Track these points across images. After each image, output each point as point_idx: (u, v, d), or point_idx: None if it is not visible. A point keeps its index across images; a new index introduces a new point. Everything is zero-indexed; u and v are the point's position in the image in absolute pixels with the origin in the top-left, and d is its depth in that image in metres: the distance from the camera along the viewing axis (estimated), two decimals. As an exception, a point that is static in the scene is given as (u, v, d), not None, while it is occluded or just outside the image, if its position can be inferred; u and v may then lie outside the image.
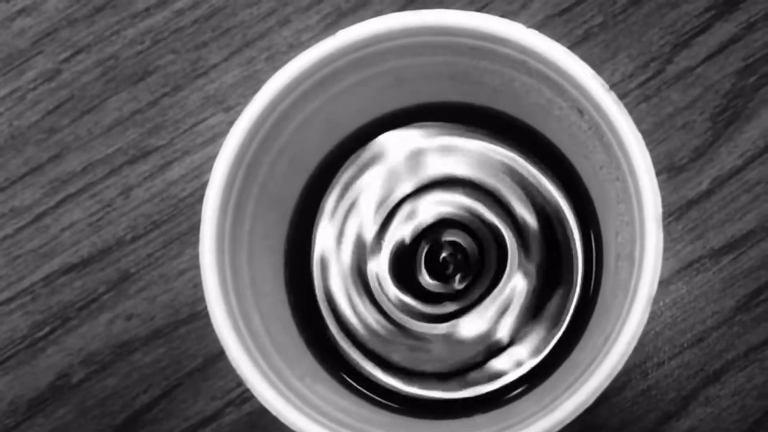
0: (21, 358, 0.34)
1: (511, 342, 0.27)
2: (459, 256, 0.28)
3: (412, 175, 0.28)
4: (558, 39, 0.23)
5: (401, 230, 0.28)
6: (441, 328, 0.28)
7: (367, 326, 0.28)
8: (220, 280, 0.23)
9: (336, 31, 0.24)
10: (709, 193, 0.34)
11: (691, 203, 0.34)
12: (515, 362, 0.27)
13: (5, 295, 0.35)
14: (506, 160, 0.28)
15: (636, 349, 0.33)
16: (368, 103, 0.27)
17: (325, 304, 0.28)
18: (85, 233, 0.35)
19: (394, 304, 0.28)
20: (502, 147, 0.28)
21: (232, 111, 0.35)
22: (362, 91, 0.26)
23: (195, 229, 0.32)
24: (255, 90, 0.24)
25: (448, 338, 0.28)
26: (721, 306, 0.33)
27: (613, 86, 0.34)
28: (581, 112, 0.24)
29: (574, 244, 0.27)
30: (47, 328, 0.34)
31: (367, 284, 0.28)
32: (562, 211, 0.28)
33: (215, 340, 0.23)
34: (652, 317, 0.33)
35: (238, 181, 0.24)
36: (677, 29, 0.35)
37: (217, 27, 0.36)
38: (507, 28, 0.24)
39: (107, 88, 0.36)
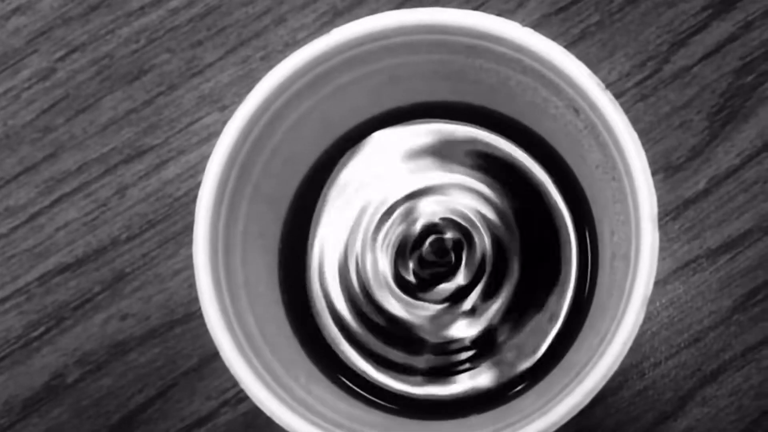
0: (16, 358, 0.34)
1: (507, 341, 0.27)
2: (455, 255, 0.28)
3: (407, 174, 0.28)
4: (555, 38, 0.23)
5: (396, 229, 0.28)
6: (436, 327, 0.28)
7: (361, 325, 0.28)
8: (214, 280, 0.23)
9: (331, 29, 0.24)
10: (706, 192, 0.34)
11: (688, 203, 0.34)
12: (510, 362, 0.27)
13: (0, 294, 0.34)
14: (502, 159, 0.28)
15: (633, 349, 0.33)
16: (363, 102, 0.27)
17: (320, 303, 0.28)
18: (80, 233, 0.35)
19: (388, 303, 0.28)
20: (498, 146, 0.28)
21: (228, 110, 0.35)
22: (357, 89, 0.26)
23: (190, 228, 0.32)
24: (250, 89, 0.24)
25: (443, 337, 0.28)
26: (718, 306, 0.33)
27: (610, 85, 0.34)
28: (577, 111, 0.24)
29: (570, 243, 0.27)
30: (42, 328, 0.34)
31: (362, 284, 0.28)
32: (558, 210, 0.28)
33: (210, 340, 0.23)
34: (649, 317, 0.33)
35: (231, 180, 0.24)
36: (674, 28, 0.35)
37: (213, 26, 0.36)
38: (502, 27, 0.24)
39: (102, 87, 0.36)
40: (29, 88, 0.36)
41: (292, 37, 0.35)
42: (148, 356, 0.34)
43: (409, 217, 0.28)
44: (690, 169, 0.34)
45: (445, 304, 0.28)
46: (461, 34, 0.24)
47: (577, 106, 0.24)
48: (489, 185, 0.28)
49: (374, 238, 0.28)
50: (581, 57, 0.24)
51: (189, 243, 0.34)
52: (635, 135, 0.23)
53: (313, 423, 0.23)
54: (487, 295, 0.28)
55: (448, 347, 0.28)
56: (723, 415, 0.32)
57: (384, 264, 0.28)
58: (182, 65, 0.35)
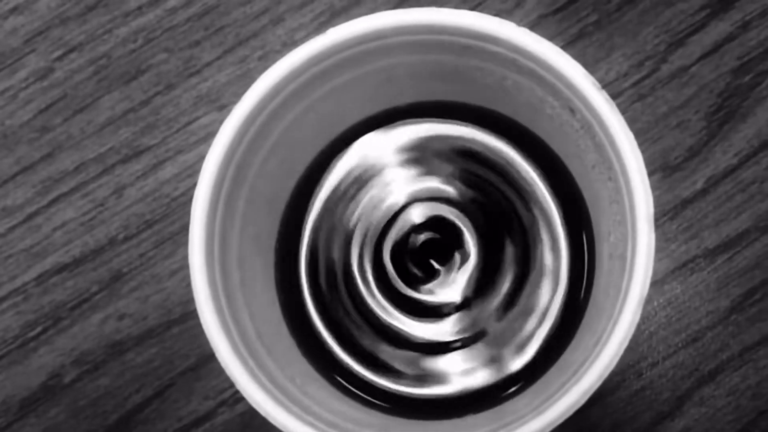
0: (13, 358, 0.34)
1: (502, 341, 0.27)
2: (448, 254, 0.28)
3: (402, 174, 0.28)
4: (552, 38, 0.23)
5: (391, 229, 0.28)
6: (431, 327, 0.28)
7: (357, 326, 0.28)
8: (210, 280, 0.23)
9: (329, 29, 0.24)
10: (703, 192, 0.34)
11: (686, 202, 0.34)
12: (506, 361, 0.27)
13: (-3, 294, 0.35)
14: (498, 159, 0.28)
15: (630, 349, 0.33)
16: (359, 102, 0.27)
17: (315, 304, 0.28)
18: (77, 233, 0.35)
19: (383, 303, 0.28)
20: (494, 146, 0.28)
21: (225, 110, 0.35)
22: (353, 90, 0.26)
23: (188, 228, 0.31)
24: (248, 89, 0.24)
25: (438, 337, 0.28)
26: (716, 306, 0.33)
27: (607, 85, 0.34)
28: (573, 111, 0.24)
29: (567, 243, 0.27)
30: (39, 328, 0.34)
31: (357, 284, 0.28)
32: (555, 210, 0.28)
33: (208, 340, 0.23)
34: (647, 317, 0.33)
35: (227, 181, 0.24)
36: (672, 28, 0.35)
37: (210, 25, 0.36)
38: (498, 27, 0.23)
39: (100, 87, 0.35)
40: (26, 87, 0.36)
41: (290, 37, 0.35)
42: (145, 356, 0.34)
43: (404, 217, 0.28)
44: (688, 169, 0.34)
45: (439, 304, 0.28)
46: (457, 34, 0.24)
47: (573, 106, 0.24)
48: (485, 185, 0.28)
49: (370, 238, 0.28)
50: (579, 57, 0.24)
51: (186, 243, 0.33)
52: (631, 135, 0.23)
53: (309, 423, 0.23)
54: (483, 295, 0.28)
55: (444, 347, 0.28)
56: (720, 415, 0.32)
57: (379, 264, 0.28)
58: (180, 65, 0.35)
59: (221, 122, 0.24)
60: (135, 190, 0.35)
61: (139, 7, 0.36)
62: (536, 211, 0.28)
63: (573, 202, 0.27)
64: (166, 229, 0.35)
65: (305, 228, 0.28)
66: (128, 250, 0.34)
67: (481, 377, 0.27)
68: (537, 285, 0.27)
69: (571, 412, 0.22)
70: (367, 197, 0.28)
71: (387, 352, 0.28)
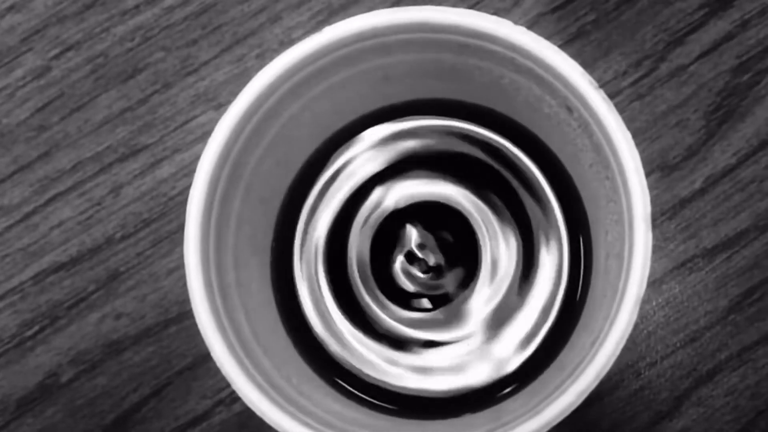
0: (10, 357, 0.34)
1: (500, 341, 0.27)
2: (447, 254, 0.28)
3: (399, 173, 0.28)
4: (550, 37, 0.23)
5: (388, 228, 0.28)
6: (428, 326, 0.28)
7: (353, 325, 0.28)
8: (205, 280, 0.23)
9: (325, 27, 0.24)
10: (702, 191, 0.33)
11: (685, 202, 0.33)
12: (503, 361, 0.27)
13: (-6, 293, 0.34)
14: (496, 157, 0.28)
15: (628, 349, 0.33)
16: (356, 101, 0.27)
17: (312, 303, 0.28)
18: (74, 232, 0.35)
19: (380, 302, 0.28)
20: (491, 144, 0.28)
21: (223, 109, 0.35)
22: (350, 88, 0.26)
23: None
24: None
25: (435, 336, 0.28)
26: (715, 306, 0.33)
27: (606, 84, 0.34)
28: (570, 109, 0.24)
29: (564, 242, 0.27)
30: (36, 327, 0.34)
31: (354, 283, 0.28)
32: (552, 209, 0.28)
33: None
34: (645, 317, 0.33)
35: (223, 180, 0.24)
36: (671, 27, 0.34)
37: (208, 24, 0.36)
38: (495, 25, 0.23)
39: (97, 86, 0.35)
40: (24, 86, 0.36)
41: (288, 35, 0.35)
42: (142, 355, 0.34)
43: (401, 215, 0.28)
44: (686, 168, 0.34)
45: (437, 303, 0.28)
46: (454, 32, 0.24)
47: (571, 104, 0.24)
48: (482, 184, 0.28)
49: (366, 237, 0.28)
50: (577, 56, 0.24)
51: (183, 242, 0.34)
52: (628, 134, 0.23)
53: (305, 423, 0.23)
54: (480, 294, 0.28)
55: (441, 346, 0.28)
56: (719, 415, 0.32)
57: (376, 262, 0.28)
58: (177, 64, 0.35)
59: (218, 121, 0.24)
60: (132, 189, 0.35)
61: (137, 6, 0.36)
62: (534, 210, 0.28)
63: (570, 201, 0.27)
64: (164, 228, 0.34)
65: (301, 227, 0.28)
66: (125, 249, 0.34)
67: (478, 377, 0.27)
68: (534, 284, 0.27)
69: (568, 412, 0.22)
70: (363, 195, 0.28)
71: (384, 352, 0.28)
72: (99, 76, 0.35)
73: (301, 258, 0.28)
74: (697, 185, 0.34)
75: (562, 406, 0.22)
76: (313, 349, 0.27)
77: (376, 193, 0.28)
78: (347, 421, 0.25)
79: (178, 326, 0.34)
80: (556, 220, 0.27)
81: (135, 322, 0.34)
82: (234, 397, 0.33)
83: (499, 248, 0.28)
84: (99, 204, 0.35)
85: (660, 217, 0.33)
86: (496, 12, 0.35)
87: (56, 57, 0.36)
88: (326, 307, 0.28)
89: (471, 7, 0.35)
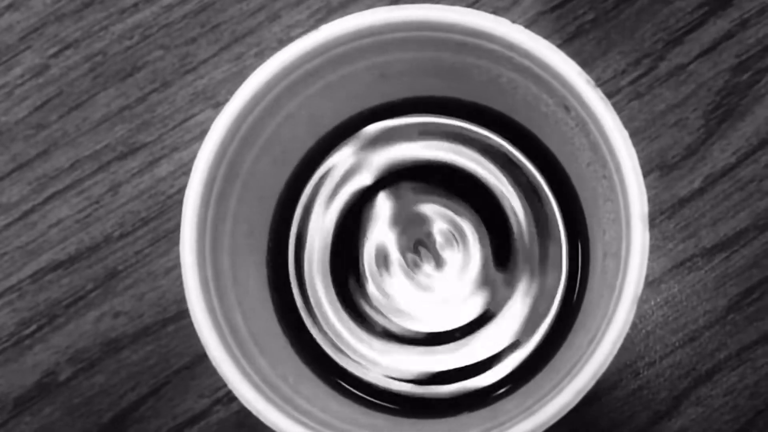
0: (8, 356, 0.34)
1: (497, 341, 0.27)
2: (443, 251, 0.28)
3: (396, 171, 0.28)
4: (549, 35, 0.23)
5: (385, 226, 0.28)
6: (425, 326, 0.28)
7: (350, 324, 0.28)
8: (201, 279, 0.23)
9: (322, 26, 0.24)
10: (701, 191, 0.33)
11: (684, 201, 0.33)
12: (500, 361, 0.27)
13: (-8, 292, 0.34)
14: (495, 156, 0.28)
15: (627, 349, 0.33)
16: (353, 100, 0.27)
17: (309, 302, 0.28)
18: (72, 230, 0.35)
19: (376, 302, 0.28)
20: (489, 143, 0.28)
21: (221, 107, 0.34)
22: (346, 87, 0.26)
23: (183, 226, 0.32)
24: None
25: (432, 335, 0.28)
26: (714, 305, 0.33)
27: (605, 83, 0.34)
28: (568, 108, 0.24)
29: (561, 241, 0.27)
30: (34, 326, 0.34)
31: (351, 282, 0.28)
32: (550, 208, 0.27)
33: (201, 339, 0.23)
34: (644, 316, 0.33)
35: (219, 179, 0.24)
36: (670, 26, 0.34)
37: (206, 22, 0.36)
38: (492, 24, 0.23)
39: (95, 84, 0.35)
40: (22, 84, 0.36)
41: (286, 33, 0.35)
42: (140, 354, 0.34)
43: (399, 213, 0.28)
44: (685, 167, 0.34)
45: (434, 301, 0.28)
46: (451, 31, 0.24)
47: (568, 103, 0.24)
48: (479, 181, 0.28)
49: (363, 236, 0.28)
50: (576, 54, 0.24)
51: (181, 241, 0.34)
52: (625, 133, 0.23)
53: (301, 423, 0.23)
54: (479, 292, 0.28)
55: (438, 346, 0.28)
56: (718, 415, 0.32)
57: (373, 261, 0.28)
58: (176, 62, 0.35)
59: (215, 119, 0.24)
60: (130, 188, 0.35)
61: (135, 4, 0.36)
62: (531, 209, 0.28)
63: (568, 200, 0.27)
64: (162, 226, 0.34)
65: (298, 225, 0.28)
66: (124, 247, 0.34)
67: (476, 377, 0.27)
68: (536, 284, 0.27)
69: (564, 412, 0.22)
70: (360, 194, 0.28)
71: (381, 351, 0.28)
72: (97, 74, 0.35)
73: (298, 257, 0.28)
74: (696, 184, 0.33)
75: (558, 405, 0.22)
76: (310, 348, 0.27)
77: (373, 191, 0.28)
78: (344, 420, 0.25)
79: (176, 325, 0.34)
80: (554, 219, 0.27)
81: (133, 320, 0.34)
82: (232, 396, 0.33)
83: (496, 246, 0.28)
84: (97, 202, 0.35)
85: (659, 217, 0.33)
86: (495, 11, 0.35)
87: (55, 55, 0.36)
88: (324, 305, 0.28)
89: (470, 5, 0.35)
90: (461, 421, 0.26)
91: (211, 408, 0.33)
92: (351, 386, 0.27)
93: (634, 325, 0.33)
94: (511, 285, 0.28)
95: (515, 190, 0.28)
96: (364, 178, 0.28)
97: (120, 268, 0.34)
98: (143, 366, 0.34)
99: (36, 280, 0.34)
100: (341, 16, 0.32)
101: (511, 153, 0.28)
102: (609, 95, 0.34)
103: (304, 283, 0.28)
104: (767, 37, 0.34)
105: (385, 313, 0.28)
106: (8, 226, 0.35)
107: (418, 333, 0.28)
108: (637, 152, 0.23)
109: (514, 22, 0.24)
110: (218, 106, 0.35)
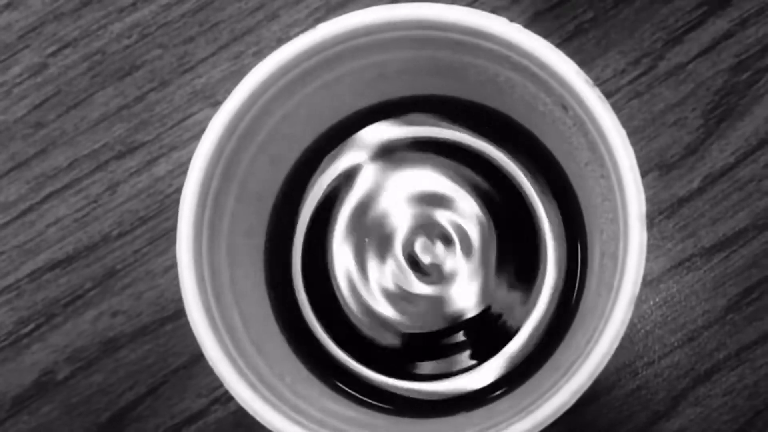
0: (6, 355, 0.34)
1: (495, 341, 0.27)
2: (443, 252, 0.28)
3: (394, 170, 0.28)
4: (548, 35, 0.23)
5: (383, 226, 0.28)
6: (423, 326, 0.28)
7: (348, 324, 0.28)
8: (198, 278, 0.23)
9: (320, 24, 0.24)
10: (700, 190, 0.33)
11: (683, 201, 0.33)
12: (498, 361, 0.27)
13: (-10, 291, 0.34)
14: (492, 155, 0.28)
15: (626, 348, 0.33)
16: (350, 98, 0.27)
17: (306, 301, 0.28)
18: (70, 229, 0.35)
19: (374, 301, 0.28)
20: (487, 142, 0.28)
21: (220, 106, 0.35)
22: (344, 85, 0.26)
23: (181, 225, 0.32)
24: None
25: (430, 336, 0.28)
26: (712, 305, 0.33)
27: (604, 82, 0.34)
28: (566, 108, 0.24)
29: (560, 241, 0.27)
30: (32, 325, 0.34)
31: (348, 281, 0.28)
32: (548, 207, 0.27)
33: (199, 338, 0.23)
34: (642, 316, 0.33)
35: (216, 178, 0.24)
36: (669, 25, 0.34)
37: (205, 21, 0.35)
38: (489, 23, 0.23)
39: (94, 83, 0.35)
40: (20, 83, 0.36)
41: (285, 33, 0.35)
42: (138, 353, 0.34)
43: (396, 212, 0.28)
44: (684, 167, 0.33)
45: (432, 303, 0.28)
46: (449, 30, 0.24)
47: (566, 103, 0.24)
48: (477, 181, 0.28)
49: (361, 235, 0.28)
50: (575, 54, 0.24)
51: (179, 240, 0.34)
52: (623, 132, 0.23)
53: (298, 423, 0.23)
54: (476, 294, 0.28)
55: (436, 346, 0.27)
56: (716, 415, 0.32)
57: (371, 261, 0.28)
58: (174, 61, 0.35)
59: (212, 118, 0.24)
60: (129, 187, 0.35)
61: (134, 3, 0.36)
62: (529, 208, 0.28)
63: (566, 199, 0.27)
64: (160, 225, 0.34)
65: (295, 224, 0.28)
66: (122, 246, 0.34)
67: (474, 377, 0.27)
68: (534, 284, 0.27)
69: (561, 412, 0.22)
70: (358, 193, 0.28)
71: (380, 351, 0.27)
72: (96, 73, 0.35)
73: (295, 256, 0.28)
74: (696, 184, 0.33)
75: (555, 405, 0.22)
76: (307, 348, 0.27)
77: (371, 190, 0.28)
78: (341, 420, 0.24)
79: (175, 324, 0.34)
80: (552, 218, 0.27)
81: (131, 319, 0.34)
82: (230, 396, 0.33)
83: (494, 247, 0.28)
84: (95, 201, 0.35)
85: (658, 216, 0.33)
86: (494, 10, 0.35)
87: (53, 54, 0.36)
88: (321, 305, 0.28)
89: (469, 4, 0.35)
90: (458, 420, 0.26)
91: (209, 407, 0.33)
92: (348, 386, 0.27)
93: (632, 325, 0.33)
94: (509, 285, 0.27)
95: (512, 189, 0.28)
96: (364, 179, 0.28)
97: (118, 267, 0.34)
98: (141, 365, 0.34)
99: (34, 279, 0.34)
100: (340, 14, 0.32)
101: (508, 152, 0.28)
102: (608, 94, 0.34)
103: (301, 282, 0.28)
104: (766, 36, 0.34)
105: (384, 312, 0.28)
106: (6, 225, 0.35)
107: (416, 334, 0.28)
108: (636, 152, 0.23)
109: (512, 21, 0.24)
110: (217, 105, 0.35)
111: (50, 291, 0.34)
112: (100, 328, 0.34)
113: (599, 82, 0.34)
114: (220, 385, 0.33)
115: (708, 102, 0.34)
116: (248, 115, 0.24)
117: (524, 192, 0.28)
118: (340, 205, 0.28)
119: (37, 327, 0.34)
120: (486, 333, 0.27)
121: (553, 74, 0.23)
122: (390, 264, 0.28)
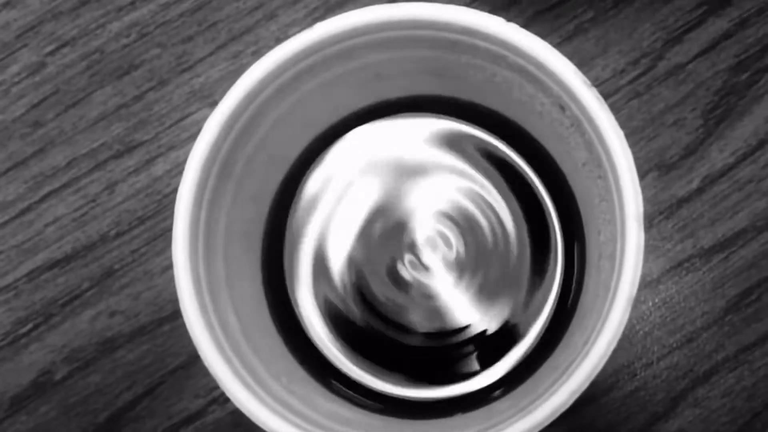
0: (3, 355, 0.34)
1: (492, 341, 0.27)
2: (440, 251, 0.28)
3: (391, 169, 0.28)
4: (548, 34, 0.23)
5: (381, 225, 0.28)
6: (420, 326, 0.28)
7: (346, 324, 0.28)
8: (194, 278, 0.23)
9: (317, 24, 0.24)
10: (699, 191, 0.33)
11: (682, 201, 0.33)
12: (495, 362, 0.27)
13: (-12, 290, 0.34)
14: (489, 155, 0.28)
15: (624, 350, 0.33)
16: (348, 98, 0.27)
17: (303, 301, 0.28)
18: (68, 229, 0.34)
19: (373, 301, 0.28)
20: (485, 141, 0.28)
21: (218, 106, 0.35)
22: (341, 85, 0.26)
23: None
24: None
25: (427, 337, 0.27)
26: (711, 306, 0.33)
27: (603, 82, 0.34)
28: (563, 108, 0.24)
29: (557, 242, 0.27)
30: (30, 325, 0.34)
31: (346, 281, 0.28)
32: (546, 209, 0.27)
33: (196, 338, 0.23)
34: (641, 317, 0.33)
35: (212, 178, 0.24)
36: (669, 25, 0.34)
37: (203, 21, 0.35)
38: (486, 22, 0.23)
39: (92, 82, 0.35)
40: (19, 82, 0.35)
41: (284, 32, 0.35)
42: (136, 353, 0.34)
43: (394, 212, 0.28)
44: (684, 167, 0.33)
45: (429, 304, 0.28)
46: (446, 29, 0.24)
47: (563, 103, 0.24)
48: (475, 181, 0.28)
49: (359, 235, 0.28)
50: (574, 54, 0.24)
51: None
52: (621, 132, 0.23)
53: (294, 424, 0.22)
54: (474, 294, 0.27)
55: (433, 346, 0.27)
56: (715, 417, 0.32)
57: (369, 261, 0.28)
58: (173, 60, 0.35)
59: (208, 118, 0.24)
60: (127, 186, 0.35)
61: (132, 2, 0.36)
62: (526, 209, 0.27)
63: (563, 200, 0.27)
64: (158, 225, 0.34)
65: (292, 224, 0.28)
66: (120, 246, 0.34)
67: (471, 377, 0.27)
68: (531, 285, 0.27)
69: (559, 413, 0.22)
70: (355, 192, 0.28)
71: (377, 351, 0.27)
72: (94, 72, 0.35)
73: (292, 256, 0.28)
74: (695, 185, 0.33)
75: (553, 406, 0.22)
76: (304, 348, 0.27)
77: (370, 190, 0.28)
78: (338, 420, 0.24)
79: (172, 324, 0.34)
80: (550, 219, 0.27)
81: (129, 319, 0.34)
82: (227, 396, 0.33)
83: (492, 247, 0.28)
84: (94, 201, 0.35)
85: (657, 217, 0.33)
86: (493, 10, 0.35)
87: (51, 53, 0.36)
88: (318, 305, 0.28)
89: (468, 4, 0.35)
90: (456, 421, 0.26)
91: (207, 408, 0.33)
92: (345, 386, 0.27)
93: (631, 326, 0.32)
94: (507, 285, 0.27)
95: (509, 189, 0.28)
96: (362, 178, 0.28)
97: (116, 267, 0.34)
98: (139, 365, 0.34)
99: (32, 278, 0.34)
100: (338, 14, 0.32)
101: (506, 152, 0.28)
102: (608, 94, 0.33)
103: (299, 282, 0.28)
104: (766, 36, 0.34)
105: (382, 312, 0.28)
106: (4, 224, 0.35)
107: (413, 335, 0.28)
108: (635, 152, 0.23)
109: (511, 20, 0.23)
110: (215, 104, 0.34)
111: (48, 291, 0.34)
112: (97, 328, 0.34)
113: (598, 82, 0.34)
114: (218, 385, 0.33)
115: (707, 102, 0.34)
116: (245, 115, 0.24)
117: (524, 193, 0.28)
118: (338, 205, 0.28)
119: (35, 327, 0.34)
120: (490, 341, 0.27)
121: (550, 74, 0.23)
122: (390, 262, 0.28)
